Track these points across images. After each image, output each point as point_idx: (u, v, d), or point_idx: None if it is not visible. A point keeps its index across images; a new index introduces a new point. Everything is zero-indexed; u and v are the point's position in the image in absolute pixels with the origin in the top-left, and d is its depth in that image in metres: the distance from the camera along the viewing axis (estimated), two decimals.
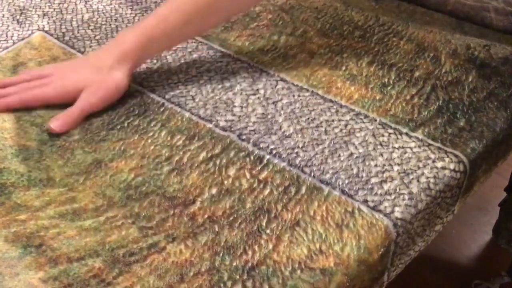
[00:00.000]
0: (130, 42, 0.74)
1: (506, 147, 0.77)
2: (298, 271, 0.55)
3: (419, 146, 0.68)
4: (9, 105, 0.73)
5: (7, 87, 0.75)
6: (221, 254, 0.57)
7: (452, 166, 0.66)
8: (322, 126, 0.71)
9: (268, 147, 0.68)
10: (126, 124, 0.72)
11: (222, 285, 0.54)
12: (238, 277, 0.55)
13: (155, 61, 0.82)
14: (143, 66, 0.81)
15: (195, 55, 0.83)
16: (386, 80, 0.78)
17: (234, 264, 0.56)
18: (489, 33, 0.87)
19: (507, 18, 0.87)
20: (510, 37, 0.86)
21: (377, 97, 0.75)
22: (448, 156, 0.67)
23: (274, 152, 0.67)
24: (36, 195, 0.63)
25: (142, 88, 0.77)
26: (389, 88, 0.77)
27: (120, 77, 0.73)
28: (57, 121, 0.71)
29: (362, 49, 0.84)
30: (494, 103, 0.75)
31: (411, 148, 0.68)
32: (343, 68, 0.81)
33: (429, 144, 0.69)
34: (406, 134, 0.70)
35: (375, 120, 0.72)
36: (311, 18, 0.91)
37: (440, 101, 0.75)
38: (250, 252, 0.57)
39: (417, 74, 0.80)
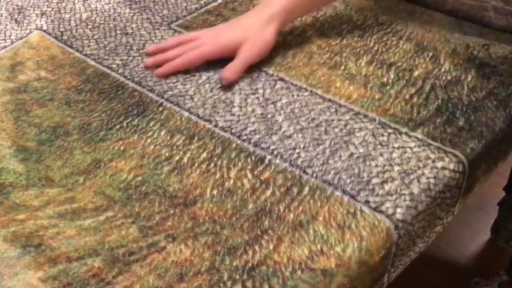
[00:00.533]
0: (277, 6, 0.80)
1: (506, 147, 0.76)
2: (299, 272, 0.55)
3: (419, 146, 0.68)
4: (177, 66, 0.79)
5: (166, 51, 0.80)
6: (221, 254, 0.57)
7: (451, 166, 0.66)
8: (322, 126, 0.71)
9: (269, 147, 0.68)
10: (125, 124, 0.72)
11: (222, 285, 0.54)
12: (238, 277, 0.55)
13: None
14: (141, 65, 0.81)
15: None
16: (385, 79, 0.78)
17: (234, 264, 0.56)
18: (488, 32, 0.87)
19: (506, 17, 0.87)
20: (509, 36, 0.86)
21: (376, 97, 0.75)
22: (448, 156, 0.67)
23: (275, 152, 0.67)
24: (35, 195, 0.63)
25: (141, 87, 0.77)
26: (388, 87, 0.77)
27: (269, 35, 0.79)
28: (227, 72, 0.76)
29: (361, 49, 0.84)
30: (493, 103, 0.75)
31: (411, 148, 0.68)
32: (342, 67, 0.81)
33: (429, 144, 0.68)
34: (406, 133, 0.70)
35: (375, 120, 0.72)
36: (310, 17, 0.91)
37: (439, 101, 0.75)
38: (250, 252, 0.57)
39: (416, 73, 0.79)
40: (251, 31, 0.78)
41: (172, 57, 0.79)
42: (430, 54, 0.83)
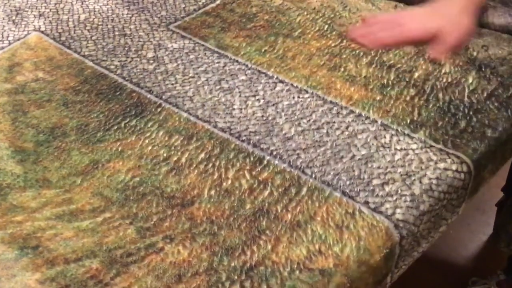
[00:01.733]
0: None
1: (511, 147, 0.76)
2: (297, 272, 0.55)
3: (421, 148, 0.68)
4: (383, 41, 0.75)
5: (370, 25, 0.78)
6: (219, 255, 0.56)
7: (454, 167, 0.66)
8: (323, 128, 0.70)
9: (268, 148, 0.68)
10: (123, 125, 0.72)
11: (220, 285, 0.54)
12: (236, 277, 0.54)
13: (151, 61, 0.82)
14: (140, 66, 0.81)
15: (192, 56, 0.83)
16: (385, 81, 0.78)
17: (233, 264, 0.56)
18: (487, 33, 0.87)
19: (504, 18, 0.87)
20: (508, 37, 0.86)
21: (377, 98, 0.75)
22: (450, 158, 0.67)
23: (274, 153, 0.67)
24: (33, 196, 0.63)
25: (139, 88, 0.77)
26: (388, 89, 0.77)
27: (468, 23, 0.75)
28: (435, 52, 0.73)
29: (360, 50, 0.84)
30: (495, 104, 0.74)
31: (413, 150, 0.68)
32: (342, 69, 0.80)
33: (431, 146, 0.68)
34: (408, 135, 0.69)
35: (377, 122, 0.71)
36: (308, 19, 0.90)
37: (440, 102, 0.75)
38: (248, 253, 0.56)
39: (416, 75, 0.79)
40: (449, 18, 0.76)
41: (375, 32, 0.76)
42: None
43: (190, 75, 0.79)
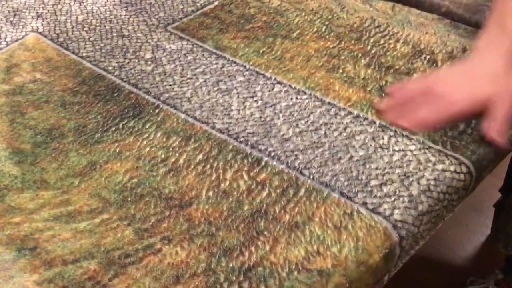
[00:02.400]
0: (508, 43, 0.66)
1: (510, 148, 0.76)
2: (295, 272, 0.55)
3: (420, 149, 0.68)
4: (429, 122, 0.68)
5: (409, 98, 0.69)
6: (217, 256, 0.56)
7: (453, 168, 0.66)
8: (321, 129, 0.70)
9: (266, 149, 0.68)
10: (121, 126, 0.71)
11: (218, 286, 0.54)
12: (234, 278, 0.54)
13: (149, 62, 0.82)
14: (137, 68, 0.81)
15: (190, 57, 0.83)
16: (384, 82, 0.78)
17: (231, 265, 0.56)
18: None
19: None
20: None
21: (376, 100, 0.75)
22: (448, 159, 0.67)
23: (272, 154, 0.67)
24: (30, 198, 0.63)
25: (137, 90, 0.77)
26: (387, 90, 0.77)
27: None
28: (494, 133, 0.65)
29: (359, 51, 0.84)
30: None
31: (411, 151, 0.68)
32: (340, 70, 0.80)
33: (430, 147, 0.68)
34: (406, 136, 0.70)
35: (375, 123, 0.71)
36: (306, 20, 0.91)
37: None
38: (246, 254, 0.57)
39: (414, 76, 0.79)
40: (499, 82, 0.66)
41: (416, 109, 0.68)
42: (428, 57, 0.83)
43: (188, 76, 0.79)
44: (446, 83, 0.68)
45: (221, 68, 0.81)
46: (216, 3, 0.95)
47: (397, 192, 0.62)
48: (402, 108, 0.70)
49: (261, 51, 0.84)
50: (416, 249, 0.66)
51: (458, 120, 0.69)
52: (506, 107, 0.64)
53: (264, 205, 0.61)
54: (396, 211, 0.61)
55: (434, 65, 0.81)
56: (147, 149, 0.68)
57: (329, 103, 0.75)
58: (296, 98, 0.75)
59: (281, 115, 0.73)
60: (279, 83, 0.78)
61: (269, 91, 0.76)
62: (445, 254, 1.35)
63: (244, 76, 0.79)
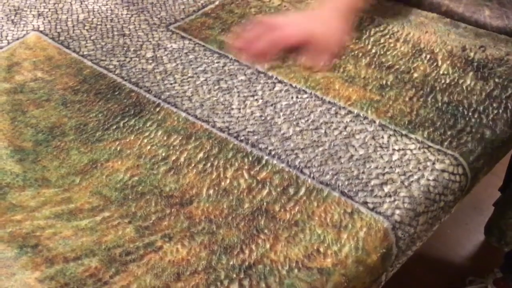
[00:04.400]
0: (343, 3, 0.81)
1: (507, 149, 0.76)
2: (295, 270, 0.55)
3: (419, 148, 0.68)
4: (261, 51, 0.76)
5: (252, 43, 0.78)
6: (217, 253, 0.57)
7: (451, 168, 0.66)
8: (322, 128, 0.71)
9: (267, 148, 0.68)
10: (121, 124, 0.72)
11: (219, 283, 0.54)
12: (234, 275, 0.55)
13: (150, 61, 0.82)
14: (138, 66, 0.81)
15: (191, 56, 0.83)
16: (384, 81, 0.78)
17: (231, 263, 0.56)
18: (484, 34, 0.87)
19: (501, 18, 0.88)
20: (505, 38, 0.86)
21: (376, 99, 0.75)
22: (448, 159, 0.67)
23: (273, 153, 0.67)
24: (32, 196, 0.63)
25: (138, 88, 0.77)
26: (387, 89, 0.77)
27: (341, 27, 0.79)
28: (315, 61, 0.77)
29: (359, 51, 0.84)
30: (493, 105, 0.75)
31: (411, 150, 0.68)
32: (341, 69, 0.81)
33: (429, 146, 0.68)
34: (406, 136, 0.70)
35: (375, 122, 0.72)
36: None
37: (439, 103, 0.75)
38: (247, 251, 0.57)
39: (415, 75, 0.80)
40: (327, 24, 0.79)
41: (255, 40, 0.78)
42: (428, 56, 0.83)
43: (189, 75, 0.80)
44: (286, 21, 0.81)
45: (223, 67, 0.81)
46: (217, 2, 0.95)
47: (397, 192, 0.63)
48: (248, 39, 0.78)
49: None
50: (414, 250, 0.67)
51: (288, 50, 0.78)
52: (325, 41, 0.77)
53: (265, 204, 0.61)
54: (397, 211, 0.61)
55: (434, 64, 0.81)
56: (148, 147, 0.68)
57: (329, 102, 0.75)
58: (297, 97, 0.75)
59: (281, 114, 0.73)
60: (279, 82, 0.78)
61: (270, 90, 0.77)
62: (444, 253, 1.35)
63: (245, 75, 0.79)
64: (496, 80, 0.79)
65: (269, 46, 0.76)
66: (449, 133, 0.71)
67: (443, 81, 0.79)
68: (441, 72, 0.80)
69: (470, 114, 0.73)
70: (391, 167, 0.66)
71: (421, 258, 1.23)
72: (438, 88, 0.77)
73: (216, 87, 0.77)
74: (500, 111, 0.74)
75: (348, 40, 0.84)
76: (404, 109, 0.74)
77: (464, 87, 0.78)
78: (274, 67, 0.81)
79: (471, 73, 0.80)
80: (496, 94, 0.76)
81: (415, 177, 0.64)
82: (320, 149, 0.68)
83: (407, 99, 0.76)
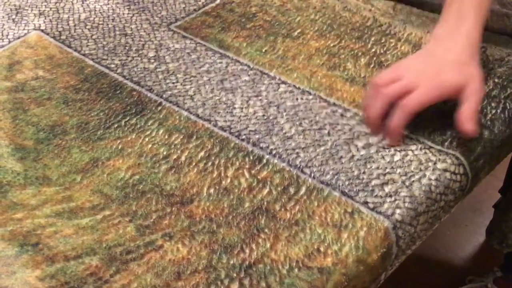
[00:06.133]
0: (474, 34, 0.70)
1: (508, 149, 0.76)
2: (296, 270, 0.55)
3: (420, 149, 0.68)
4: (399, 130, 0.67)
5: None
6: (218, 252, 0.57)
7: (452, 168, 0.66)
8: (325, 129, 0.71)
9: (268, 147, 0.68)
10: (123, 123, 0.72)
11: (219, 283, 0.54)
12: (235, 275, 0.55)
13: (152, 60, 0.82)
14: (140, 65, 0.81)
15: (193, 56, 0.83)
16: None
17: (232, 262, 0.56)
18: (485, 34, 0.87)
19: (502, 19, 0.88)
20: (506, 39, 0.86)
21: None
22: (450, 158, 0.67)
23: (274, 152, 0.67)
24: (33, 194, 0.63)
25: (140, 87, 0.77)
26: None
27: (479, 73, 0.68)
28: (467, 124, 0.65)
29: (359, 50, 0.84)
30: (492, 105, 0.75)
31: (412, 151, 0.68)
32: (341, 69, 0.81)
33: (430, 147, 0.68)
34: (407, 136, 0.70)
35: None
36: (308, 19, 0.91)
37: (439, 103, 0.75)
38: (247, 251, 0.57)
39: None
40: (463, 69, 0.67)
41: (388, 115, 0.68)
42: None
43: (192, 74, 0.80)
44: (413, 72, 0.69)
45: (226, 67, 0.81)
46: (217, 1, 0.95)
47: (398, 192, 0.63)
48: (378, 120, 0.68)
49: (263, 50, 0.84)
50: (413, 249, 0.67)
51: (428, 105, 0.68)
52: (476, 94, 0.66)
53: (265, 203, 0.61)
54: (397, 211, 0.61)
55: None
56: (149, 146, 0.68)
57: (331, 102, 0.75)
58: (301, 99, 0.75)
59: (284, 114, 0.73)
60: (283, 83, 0.78)
61: (274, 91, 0.77)
62: (444, 254, 1.35)
63: (248, 75, 0.79)
64: (496, 80, 0.79)
65: (405, 120, 0.66)
66: (449, 133, 0.71)
67: None
68: None
69: None
70: (392, 168, 0.66)
71: (420, 260, 1.24)
72: None
73: (219, 86, 0.77)
74: (498, 111, 0.74)
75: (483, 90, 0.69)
76: None
77: None
78: (276, 67, 0.81)
79: None
80: (495, 94, 0.76)
81: (416, 177, 0.64)
82: (321, 148, 0.68)
83: None
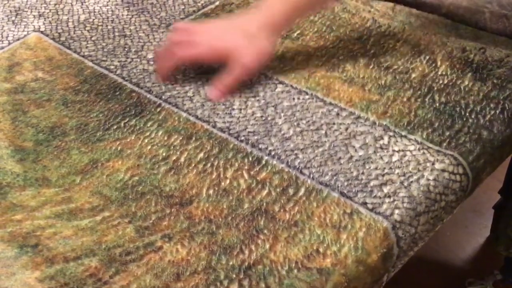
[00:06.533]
0: (278, 15, 0.76)
1: (509, 149, 0.77)
2: (295, 271, 0.55)
3: (419, 149, 0.68)
4: (169, 66, 0.77)
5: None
6: (217, 254, 0.57)
7: (451, 168, 0.66)
8: (322, 129, 0.71)
9: (267, 148, 0.68)
10: (122, 124, 0.72)
11: (218, 284, 0.54)
12: (234, 276, 0.55)
13: (152, 62, 0.82)
14: (140, 67, 0.81)
15: None
16: (382, 82, 0.79)
17: (231, 263, 0.56)
18: (484, 36, 0.87)
19: (501, 20, 0.88)
20: (505, 40, 0.87)
21: (374, 99, 0.76)
22: (448, 159, 0.67)
23: (272, 153, 0.67)
24: (32, 195, 0.63)
25: (139, 88, 0.77)
26: (386, 90, 0.77)
27: (266, 46, 0.75)
28: (214, 91, 0.75)
29: (358, 51, 0.84)
30: (491, 105, 0.75)
31: (410, 151, 0.68)
32: (340, 70, 0.81)
33: (428, 147, 0.69)
34: (405, 137, 0.70)
35: (375, 123, 0.72)
36: (307, 20, 0.91)
37: (437, 104, 0.75)
38: (246, 252, 0.57)
39: (413, 76, 0.80)
40: (245, 39, 0.74)
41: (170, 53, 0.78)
42: (427, 57, 0.83)
43: (191, 75, 0.80)
44: (203, 33, 0.77)
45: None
46: (217, 3, 0.95)
47: (397, 192, 0.63)
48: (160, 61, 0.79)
49: None
50: (415, 250, 0.67)
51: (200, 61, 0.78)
52: (240, 68, 0.73)
53: (264, 204, 0.61)
54: (396, 211, 0.61)
55: (433, 64, 0.82)
56: (148, 147, 0.69)
57: (329, 103, 0.75)
58: (298, 99, 0.76)
59: (282, 114, 0.73)
60: (281, 83, 0.78)
61: (272, 91, 0.77)
62: (444, 256, 1.35)
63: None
64: (495, 81, 0.79)
65: (182, 59, 0.76)
66: (447, 133, 0.71)
67: (441, 82, 0.79)
68: (439, 73, 0.80)
69: (467, 114, 0.73)
70: (390, 168, 0.66)
71: (421, 261, 1.24)
72: (436, 88, 0.78)
73: None
74: (497, 111, 0.74)
75: (267, 60, 0.77)
76: (403, 109, 0.74)
77: (461, 87, 0.78)
78: (275, 67, 0.81)
79: (469, 74, 0.80)
80: (494, 95, 0.76)
81: (415, 177, 0.65)
82: (320, 149, 0.68)
83: (405, 99, 0.76)
